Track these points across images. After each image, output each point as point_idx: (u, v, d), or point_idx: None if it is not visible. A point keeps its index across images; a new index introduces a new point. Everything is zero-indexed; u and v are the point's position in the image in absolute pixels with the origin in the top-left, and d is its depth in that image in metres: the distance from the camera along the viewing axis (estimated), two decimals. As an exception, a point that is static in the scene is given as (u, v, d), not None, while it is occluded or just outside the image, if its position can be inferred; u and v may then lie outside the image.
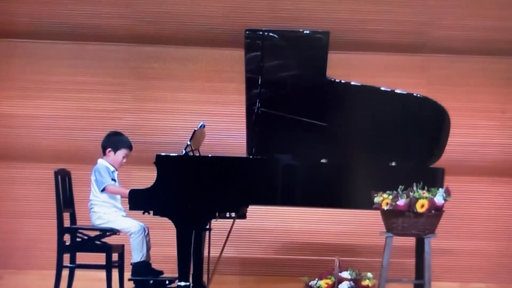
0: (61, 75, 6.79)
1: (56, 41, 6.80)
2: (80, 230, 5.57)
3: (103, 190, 5.56)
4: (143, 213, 5.32)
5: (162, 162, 5.28)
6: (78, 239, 5.55)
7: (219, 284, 6.11)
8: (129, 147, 5.70)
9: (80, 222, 5.73)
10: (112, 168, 5.64)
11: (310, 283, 4.88)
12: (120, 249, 5.66)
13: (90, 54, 6.80)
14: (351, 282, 4.79)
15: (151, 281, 5.41)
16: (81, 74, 6.79)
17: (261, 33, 5.40)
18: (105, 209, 5.57)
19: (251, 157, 5.42)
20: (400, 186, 4.92)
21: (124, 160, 5.71)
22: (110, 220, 5.55)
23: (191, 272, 5.33)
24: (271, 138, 5.43)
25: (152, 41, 6.78)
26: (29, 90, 6.79)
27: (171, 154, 5.35)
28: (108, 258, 5.47)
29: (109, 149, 5.65)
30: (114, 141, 5.67)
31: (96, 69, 6.79)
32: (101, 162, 5.66)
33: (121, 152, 5.67)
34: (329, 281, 4.79)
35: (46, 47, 6.80)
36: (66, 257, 5.55)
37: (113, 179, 5.63)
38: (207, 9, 6.76)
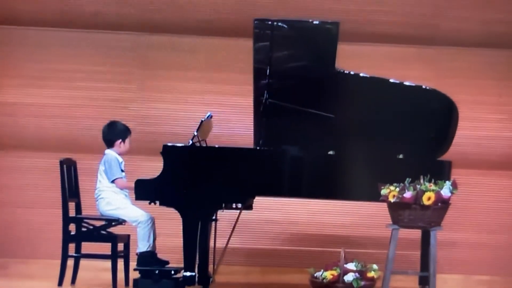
0: (66, 63, 6.77)
1: (62, 29, 6.78)
2: (86, 220, 5.57)
3: (112, 182, 5.56)
4: (149, 203, 5.31)
5: (169, 152, 5.26)
6: (83, 229, 5.54)
7: (225, 275, 6.11)
8: (131, 131, 5.70)
9: (85, 212, 5.72)
10: (121, 159, 5.65)
11: (315, 274, 4.87)
12: (126, 239, 5.66)
13: (97, 42, 6.77)
14: (357, 273, 4.78)
15: (157, 271, 5.40)
16: (87, 63, 6.77)
17: (270, 23, 5.36)
18: (114, 195, 5.57)
19: (258, 148, 5.40)
20: (407, 179, 4.91)
21: (130, 145, 5.71)
22: (119, 206, 5.55)
23: (197, 262, 5.32)
24: (278, 129, 5.41)
25: (159, 30, 6.76)
26: (35, 79, 6.77)
27: (177, 145, 5.33)
28: (114, 248, 5.46)
29: (120, 140, 5.64)
30: (120, 131, 5.66)
31: (102, 58, 6.77)
32: (111, 153, 5.65)
33: (128, 140, 5.69)
34: (335, 273, 4.77)
35: (51, 35, 6.78)
36: (72, 246, 5.56)
37: (122, 170, 5.63)
38: (215, -2, 6.75)
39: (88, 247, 5.61)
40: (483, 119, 6.76)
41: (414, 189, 4.84)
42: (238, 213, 5.69)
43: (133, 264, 5.54)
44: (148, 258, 5.47)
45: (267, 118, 5.38)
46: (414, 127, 5.46)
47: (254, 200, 5.73)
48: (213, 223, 5.68)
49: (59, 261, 5.50)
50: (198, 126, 5.45)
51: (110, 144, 5.66)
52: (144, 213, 5.54)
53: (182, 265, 5.28)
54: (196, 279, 5.30)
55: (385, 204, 4.96)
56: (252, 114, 5.54)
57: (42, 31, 6.78)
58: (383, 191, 4.92)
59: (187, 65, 6.78)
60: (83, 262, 5.66)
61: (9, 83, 6.78)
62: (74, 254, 5.56)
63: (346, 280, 4.68)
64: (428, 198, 4.81)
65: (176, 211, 5.25)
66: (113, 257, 5.46)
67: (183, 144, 5.36)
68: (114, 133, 5.66)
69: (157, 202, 5.28)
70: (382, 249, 5.40)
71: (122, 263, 5.60)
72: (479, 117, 6.74)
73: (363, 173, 5.24)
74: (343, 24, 5.36)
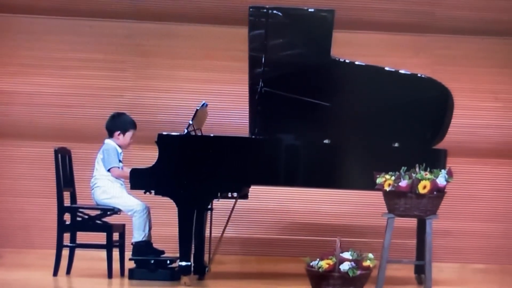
0: (61, 51, 6.73)
1: (57, 17, 6.73)
2: (81, 210, 5.56)
3: (108, 171, 5.55)
4: (145, 192, 5.30)
5: (164, 141, 5.25)
6: (78, 219, 5.53)
7: (220, 264, 6.11)
8: (135, 126, 5.71)
9: (80, 201, 5.70)
10: (120, 150, 5.64)
11: (311, 264, 4.86)
12: (121, 229, 5.64)
13: (91, 30, 6.73)
14: (352, 262, 4.76)
15: (152, 261, 5.40)
16: (81, 51, 6.73)
17: (265, 10, 5.35)
18: (110, 184, 5.56)
19: (253, 137, 5.39)
20: (403, 167, 4.89)
21: (132, 140, 5.70)
22: (115, 195, 5.53)
23: (193, 252, 5.32)
24: (274, 118, 5.40)
25: (154, 18, 6.72)
26: (29, 67, 6.73)
27: (172, 133, 5.32)
28: (109, 237, 5.45)
29: (118, 132, 5.63)
30: (121, 123, 5.65)
31: (97, 45, 6.73)
32: (111, 142, 5.64)
33: (129, 134, 5.67)
34: (330, 262, 4.76)
35: (46, 23, 6.73)
36: (66, 236, 5.54)
37: (120, 161, 5.63)
38: (210, -15, 6.71)
39: (83, 236, 5.60)
40: (478, 107, 6.75)
41: (410, 177, 4.83)
42: (233, 202, 5.67)
43: (128, 254, 5.53)
44: (144, 248, 5.47)
45: (262, 106, 5.37)
46: (409, 115, 5.45)
47: (250, 189, 5.72)
48: (209, 212, 5.68)
49: (54, 251, 5.49)
50: (193, 115, 5.43)
51: (109, 133, 5.66)
52: (139, 202, 5.53)
53: (177, 255, 5.26)
54: (192, 268, 5.30)
55: (380, 193, 4.95)
56: (247, 102, 5.51)
57: (36, 19, 6.74)
58: (379, 180, 4.90)
59: (182, 54, 6.75)
60: (78, 252, 5.64)
61: (3, 71, 6.74)
62: (69, 244, 5.55)
63: (342, 269, 4.67)
64: (423, 187, 4.80)
65: (172, 201, 5.23)
66: (108, 246, 5.44)
67: (178, 133, 5.34)
68: (114, 124, 5.65)
69: (153, 192, 5.27)
70: (378, 238, 5.39)
71: (118, 253, 5.58)
72: (475, 105, 6.73)
73: (358, 162, 5.24)
74: (338, 12, 5.34)
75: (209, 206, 5.61)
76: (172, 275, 5.37)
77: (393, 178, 4.86)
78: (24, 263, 6.24)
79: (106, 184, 5.55)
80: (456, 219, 6.67)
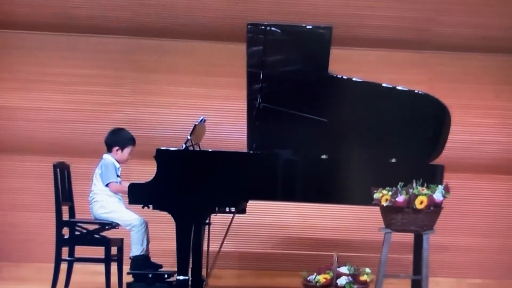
0: (60, 67, 6.76)
1: (56, 33, 6.77)
2: (79, 224, 5.57)
3: (106, 185, 5.57)
4: (143, 207, 5.32)
5: (162, 156, 5.27)
6: (76, 233, 5.54)
7: (218, 278, 6.12)
8: (134, 143, 5.72)
9: (79, 216, 5.72)
10: (118, 165, 5.66)
11: (308, 278, 4.89)
12: (119, 243, 5.66)
13: (90, 46, 6.77)
14: (349, 277, 4.79)
15: (150, 275, 5.41)
16: (80, 67, 6.76)
17: (263, 27, 5.38)
18: (108, 198, 5.57)
19: (251, 152, 5.41)
20: (400, 183, 4.93)
21: (130, 156, 5.72)
22: (114, 210, 5.55)
23: (190, 266, 5.33)
24: (272, 133, 5.42)
25: (153, 33, 6.76)
26: (28, 82, 6.75)
27: (171, 149, 5.34)
28: (107, 251, 5.47)
29: (117, 147, 5.65)
30: (120, 139, 5.67)
31: (95, 61, 6.76)
32: (109, 157, 5.65)
33: (128, 150, 5.68)
34: (328, 276, 4.79)
35: (45, 39, 6.77)
36: (65, 250, 5.55)
37: (118, 175, 5.65)
38: (208, 1, 6.73)
39: (81, 250, 5.61)
40: (475, 123, 6.78)
41: (407, 193, 4.86)
42: (231, 217, 5.69)
43: (126, 268, 5.54)
44: (142, 262, 5.48)
45: (260, 122, 5.39)
46: (406, 131, 5.47)
47: (248, 204, 5.74)
48: (207, 226, 5.69)
49: (52, 265, 5.50)
50: (191, 130, 5.46)
51: (108, 149, 5.68)
52: (137, 217, 5.54)
53: (175, 269, 5.28)
54: (190, 282, 5.31)
55: (377, 208, 4.98)
56: (245, 118, 5.55)
57: (36, 35, 6.77)
58: (376, 195, 4.94)
59: (181, 69, 6.78)
60: (76, 266, 5.65)
61: (2, 86, 6.77)
62: (67, 258, 5.56)
63: (339, 284, 4.70)
64: (420, 202, 4.83)
65: (170, 215, 5.25)
66: (107, 260, 5.46)
67: (176, 148, 5.37)
68: (114, 139, 5.67)
69: (151, 206, 5.29)
70: (375, 253, 5.41)
71: (116, 266, 5.60)
72: (472, 121, 6.76)
73: (356, 177, 5.25)
74: (336, 28, 5.38)
75: (207, 221, 5.63)
76: (170, 289, 5.39)
77: (390, 193, 4.89)
78: (22, 277, 6.25)
79: (104, 199, 5.57)
80: (453, 234, 6.68)
